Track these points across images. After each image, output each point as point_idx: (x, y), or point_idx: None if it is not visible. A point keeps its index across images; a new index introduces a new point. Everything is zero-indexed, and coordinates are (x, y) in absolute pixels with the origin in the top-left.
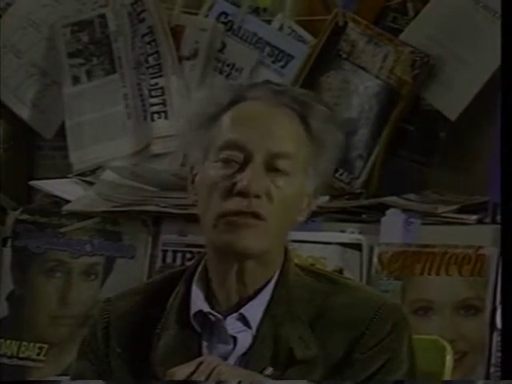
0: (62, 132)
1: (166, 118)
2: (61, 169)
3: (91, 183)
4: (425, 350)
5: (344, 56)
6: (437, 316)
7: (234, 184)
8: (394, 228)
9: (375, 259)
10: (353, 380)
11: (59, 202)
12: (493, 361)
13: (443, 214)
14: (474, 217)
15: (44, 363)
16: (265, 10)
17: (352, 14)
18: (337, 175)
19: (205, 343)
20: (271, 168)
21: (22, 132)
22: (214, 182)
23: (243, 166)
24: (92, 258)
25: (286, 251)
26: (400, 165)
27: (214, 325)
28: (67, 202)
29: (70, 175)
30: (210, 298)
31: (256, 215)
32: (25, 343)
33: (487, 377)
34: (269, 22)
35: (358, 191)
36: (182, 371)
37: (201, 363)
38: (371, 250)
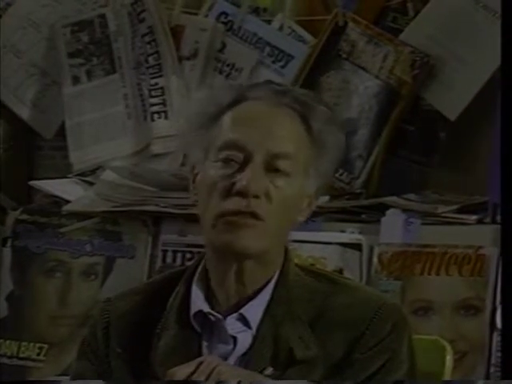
0: (61, 132)
1: (165, 118)
2: (61, 169)
3: (91, 183)
4: (425, 350)
5: (344, 56)
6: (437, 316)
7: (234, 184)
8: (393, 228)
9: (375, 259)
10: (353, 380)
11: (59, 202)
12: (493, 361)
13: (443, 214)
14: (474, 217)
15: (44, 363)
16: (265, 10)
17: (352, 14)
18: (337, 175)
19: (205, 343)
20: (271, 168)
21: (22, 132)
22: (213, 181)
23: (243, 166)
24: (92, 258)
25: (286, 251)
26: (400, 165)
27: (214, 325)
28: (67, 202)
29: (69, 175)
30: (210, 298)
31: (255, 215)
32: (25, 343)
33: (487, 377)
34: (269, 21)
35: (358, 191)
36: (182, 371)
37: (201, 363)
38: (371, 250)
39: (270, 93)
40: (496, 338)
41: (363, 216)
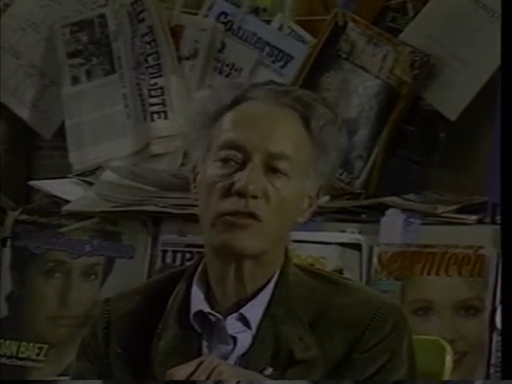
0: (61, 132)
1: (165, 118)
2: (60, 169)
3: (91, 183)
4: (425, 350)
5: (344, 56)
6: (437, 316)
7: (232, 184)
8: (393, 228)
9: (375, 259)
10: (353, 380)
11: (59, 202)
12: (493, 361)
13: (443, 214)
14: (474, 217)
15: (44, 363)
16: (264, 10)
17: (352, 14)
18: (337, 175)
19: (205, 343)
20: (270, 168)
21: (22, 132)
22: (213, 181)
23: (242, 165)
24: (92, 259)
25: (287, 251)
26: (400, 165)
27: (214, 325)
28: (67, 202)
29: (69, 175)
30: (210, 298)
31: (253, 216)
32: (24, 343)
33: (487, 377)
34: (268, 22)
35: (358, 191)
36: (182, 371)
37: (201, 363)
38: (371, 250)
39: (271, 93)
40: (496, 338)
41: (363, 216)
